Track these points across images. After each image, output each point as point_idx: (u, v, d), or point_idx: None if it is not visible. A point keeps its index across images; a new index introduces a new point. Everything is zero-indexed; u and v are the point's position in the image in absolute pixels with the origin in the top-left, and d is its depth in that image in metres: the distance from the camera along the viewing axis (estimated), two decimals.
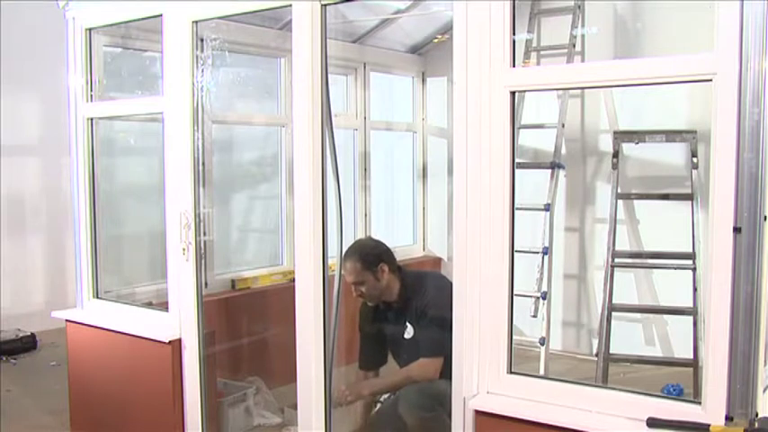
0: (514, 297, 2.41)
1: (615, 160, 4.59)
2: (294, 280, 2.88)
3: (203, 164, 3.59)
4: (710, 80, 1.96)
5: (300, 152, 2.81)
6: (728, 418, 1.99)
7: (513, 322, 2.42)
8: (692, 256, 4.32)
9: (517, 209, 2.40)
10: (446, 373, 2.80)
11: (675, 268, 4.43)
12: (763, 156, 1.91)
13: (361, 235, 5.28)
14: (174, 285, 3.33)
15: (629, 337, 4.78)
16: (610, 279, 4.41)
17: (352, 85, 5.38)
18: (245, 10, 3.19)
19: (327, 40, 2.78)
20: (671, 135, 4.52)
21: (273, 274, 4.67)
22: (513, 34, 2.32)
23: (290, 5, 2.79)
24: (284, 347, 3.07)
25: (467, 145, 2.39)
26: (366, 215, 5.46)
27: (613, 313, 4.39)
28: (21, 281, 6.30)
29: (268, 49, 4.72)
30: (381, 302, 3.45)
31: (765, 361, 2.07)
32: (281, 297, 4.04)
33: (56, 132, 5.56)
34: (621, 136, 4.65)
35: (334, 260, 2.99)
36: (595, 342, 4.77)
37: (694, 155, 4.43)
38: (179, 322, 3.32)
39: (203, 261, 3.56)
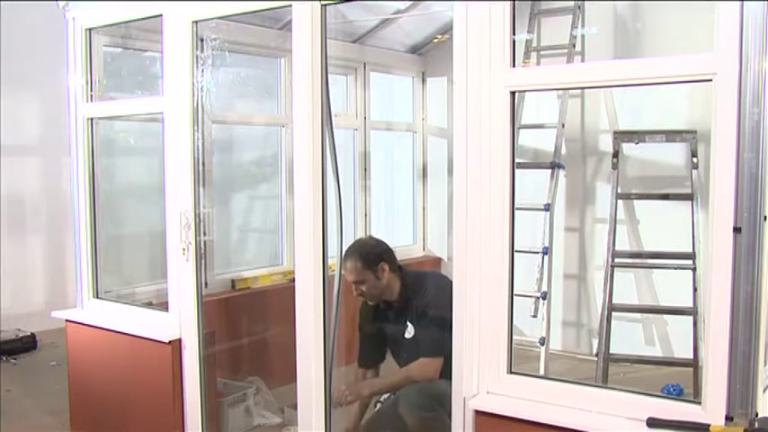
0: (514, 297, 2.41)
1: (615, 160, 4.59)
2: (294, 280, 2.88)
3: (203, 164, 3.59)
4: (710, 80, 1.96)
5: (300, 152, 2.80)
6: (728, 418, 1.99)
7: (513, 322, 2.42)
8: (692, 256, 4.32)
9: (517, 209, 2.40)
10: (446, 373, 2.80)
11: (675, 268, 4.43)
12: (763, 156, 1.91)
13: (361, 235, 5.28)
14: (174, 285, 3.33)
15: (629, 337, 4.79)
16: (610, 279, 4.41)
17: (352, 85, 5.38)
18: (245, 10, 3.18)
19: (327, 40, 2.78)
20: (671, 135, 4.52)
21: (273, 274, 4.67)
22: (513, 34, 2.32)
23: (290, 5, 2.79)
24: (284, 347, 3.07)
25: (467, 145, 2.39)
26: (366, 215, 5.46)
27: (613, 313, 4.40)
28: (21, 281, 6.30)
29: (268, 49, 4.72)
30: (382, 302, 3.45)
31: (765, 361, 2.07)
32: (281, 297, 4.04)
33: (56, 132, 5.56)
34: (621, 136, 4.65)
35: (334, 260, 2.98)
36: (595, 342, 4.77)
37: (694, 155, 4.43)
38: (179, 322, 3.32)
39: (203, 261, 3.56)
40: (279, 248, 4.97)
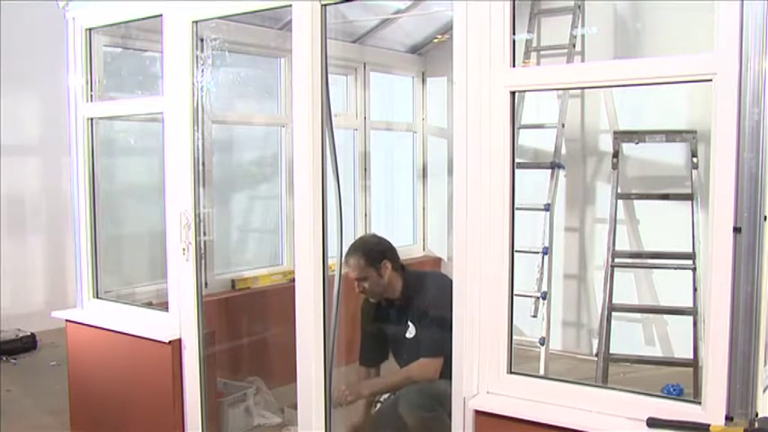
0: (514, 297, 2.41)
1: (615, 160, 4.59)
2: (294, 280, 2.88)
3: (203, 164, 3.59)
4: (710, 80, 1.96)
5: (300, 152, 2.80)
6: (728, 418, 1.99)
7: (513, 322, 2.42)
8: (692, 256, 4.32)
9: (517, 209, 2.40)
10: (446, 372, 2.80)
11: (675, 268, 4.43)
12: (763, 156, 1.91)
13: (361, 235, 5.28)
14: (174, 285, 3.33)
15: (629, 337, 4.78)
16: (610, 279, 4.41)
17: (352, 85, 5.38)
18: (245, 10, 3.19)
19: (327, 40, 2.78)
20: (671, 135, 4.52)
21: (273, 274, 4.67)
22: (513, 34, 2.32)
23: (290, 5, 2.79)
24: (284, 347, 3.07)
25: (467, 145, 2.39)
26: (366, 215, 5.46)
27: (613, 313, 4.40)
28: (21, 281, 6.30)
29: (268, 49, 4.72)
30: (383, 300, 3.45)
31: (765, 361, 2.07)
32: (281, 297, 4.04)
33: (56, 132, 5.56)
34: (621, 136, 4.65)
35: (334, 260, 2.98)
36: (595, 342, 4.77)
37: (694, 155, 4.43)
38: (179, 322, 3.32)
39: (203, 261, 3.56)
40: (279, 248, 4.97)
